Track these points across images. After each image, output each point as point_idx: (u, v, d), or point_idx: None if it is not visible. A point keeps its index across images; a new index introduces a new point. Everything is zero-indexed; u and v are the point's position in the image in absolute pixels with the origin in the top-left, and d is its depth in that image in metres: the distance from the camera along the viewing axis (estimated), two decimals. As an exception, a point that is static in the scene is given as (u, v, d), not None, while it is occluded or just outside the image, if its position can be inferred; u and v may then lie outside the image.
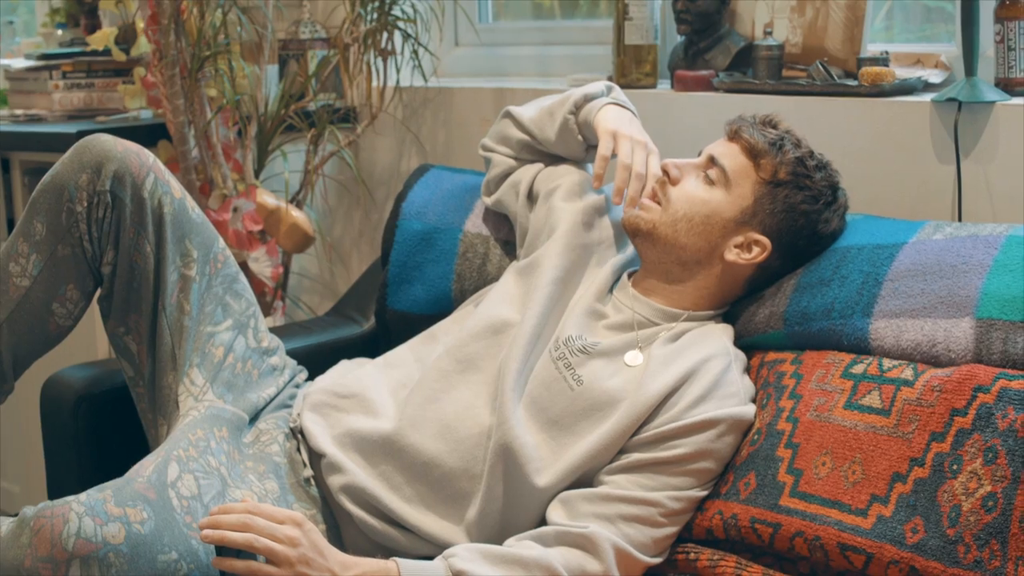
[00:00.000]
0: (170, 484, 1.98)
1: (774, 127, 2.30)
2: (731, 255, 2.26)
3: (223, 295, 2.31)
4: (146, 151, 2.26)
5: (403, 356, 2.42)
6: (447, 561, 1.99)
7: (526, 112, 2.55)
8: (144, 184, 2.22)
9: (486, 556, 2.00)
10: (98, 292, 2.29)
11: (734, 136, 2.30)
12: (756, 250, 2.26)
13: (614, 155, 2.34)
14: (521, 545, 2.04)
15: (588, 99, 2.44)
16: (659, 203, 2.29)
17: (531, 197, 2.50)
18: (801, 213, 2.25)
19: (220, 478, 2.08)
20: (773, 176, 2.25)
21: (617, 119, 2.38)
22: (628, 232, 2.33)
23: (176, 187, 2.27)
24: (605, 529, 2.04)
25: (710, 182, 2.27)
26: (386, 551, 2.17)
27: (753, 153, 2.26)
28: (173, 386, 2.25)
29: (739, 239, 2.26)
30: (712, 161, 2.29)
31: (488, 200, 2.61)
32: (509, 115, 2.57)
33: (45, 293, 2.22)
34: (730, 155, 2.28)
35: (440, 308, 2.61)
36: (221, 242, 2.34)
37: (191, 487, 2.01)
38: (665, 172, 2.31)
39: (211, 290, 2.29)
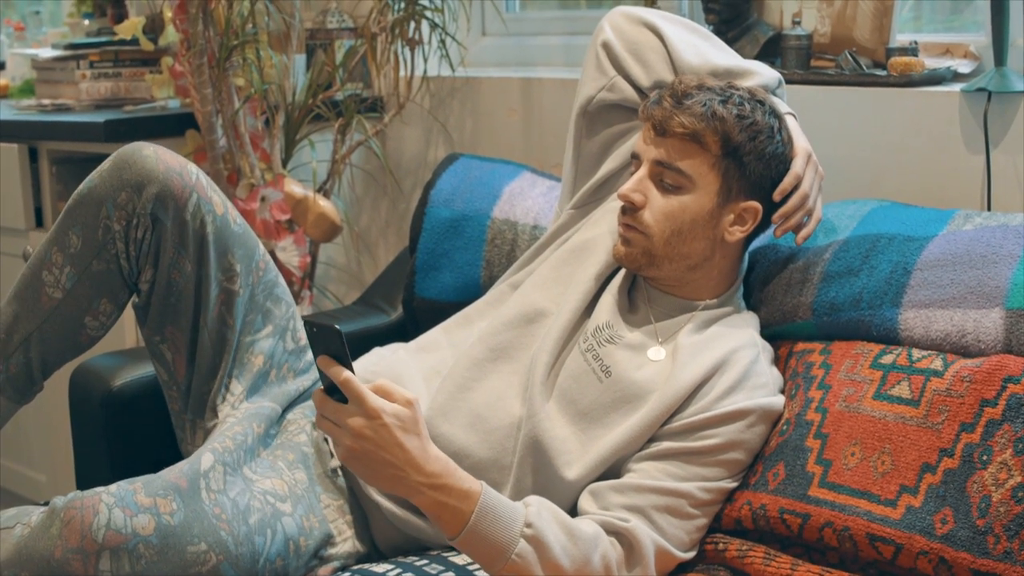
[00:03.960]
0: (203, 473, 1.98)
1: (689, 95, 2.16)
2: (731, 236, 2.20)
3: (264, 302, 2.29)
4: (188, 167, 2.20)
5: (437, 340, 2.42)
6: (527, 509, 1.93)
7: (684, 51, 2.35)
8: (187, 207, 2.17)
9: (556, 519, 1.95)
10: (133, 298, 2.27)
11: (663, 131, 2.17)
12: (750, 217, 2.20)
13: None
14: (582, 520, 2.01)
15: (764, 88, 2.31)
16: (641, 232, 2.19)
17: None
18: (771, 156, 2.18)
19: (246, 479, 2.08)
20: (725, 146, 2.15)
21: (804, 137, 2.27)
22: (631, 270, 2.26)
23: (218, 202, 2.23)
24: (642, 523, 2.03)
25: (672, 189, 2.18)
26: (415, 541, 2.17)
27: (694, 138, 2.14)
28: (211, 394, 2.24)
29: (730, 217, 2.19)
30: (660, 165, 2.17)
31: (586, 109, 2.42)
32: (658, 34, 2.38)
33: (78, 308, 2.20)
34: (673, 151, 2.16)
35: (469, 295, 2.61)
36: (261, 247, 2.31)
37: (219, 481, 2.01)
38: (630, 203, 2.19)
39: (254, 299, 2.27)
